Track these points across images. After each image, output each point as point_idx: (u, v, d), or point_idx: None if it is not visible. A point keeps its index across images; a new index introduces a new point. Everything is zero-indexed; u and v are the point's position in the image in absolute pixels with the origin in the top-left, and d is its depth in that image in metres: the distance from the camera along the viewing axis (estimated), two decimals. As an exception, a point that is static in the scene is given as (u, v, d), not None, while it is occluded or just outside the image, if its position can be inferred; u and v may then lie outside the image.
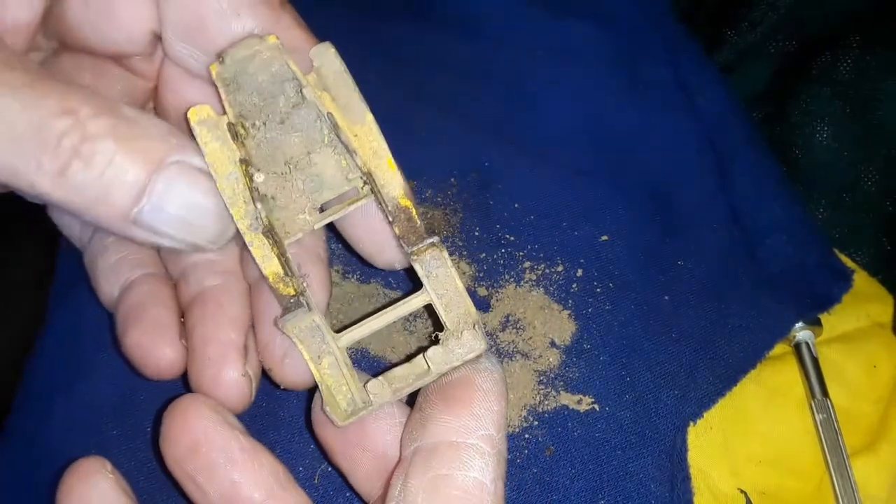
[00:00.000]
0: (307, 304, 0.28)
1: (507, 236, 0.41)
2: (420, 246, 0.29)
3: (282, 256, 0.29)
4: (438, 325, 0.30)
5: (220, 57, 0.30)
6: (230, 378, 0.31)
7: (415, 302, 0.30)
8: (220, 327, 0.32)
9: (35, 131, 0.25)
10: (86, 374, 0.38)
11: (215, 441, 0.28)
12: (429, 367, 0.29)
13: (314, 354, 0.29)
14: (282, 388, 0.32)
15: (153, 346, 0.31)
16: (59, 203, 0.26)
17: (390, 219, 0.29)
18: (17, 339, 0.45)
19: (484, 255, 0.41)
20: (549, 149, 0.45)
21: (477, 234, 0.42)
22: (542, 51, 0.49)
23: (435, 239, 0.28)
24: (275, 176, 0.30)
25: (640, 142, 0.46)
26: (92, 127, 0.26)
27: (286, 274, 0.29)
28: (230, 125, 0.29)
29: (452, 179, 0.43)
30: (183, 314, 0.33)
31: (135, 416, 0.37)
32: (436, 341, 0.29)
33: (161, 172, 0.26)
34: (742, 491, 0.37)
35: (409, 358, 0.30)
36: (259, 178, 0.30)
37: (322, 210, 0.31)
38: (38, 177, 0.26)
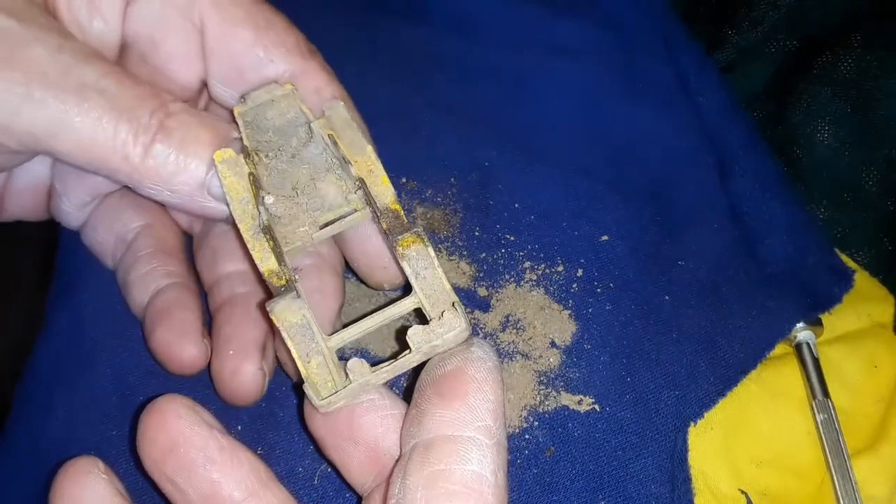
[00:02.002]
0: (297, 291, 0.29)
1: (507, 236, 0.41)
2: (405, 235, 0.29)
3: (277, 252, 0.30)
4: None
5: (242, 97, 0.34)
6: (247, 371, 0.34)
7: (405, 304, 0.30)
8: (244, 326, 0.35)
9: (133, 109, 0.30)
10: (85, 374, 0.38)
11: (193, 441, 0.28)
12: (410, 348, 0.28)
13: (303, 353, 0.29)
14: (295, 380, 0.35)
15: (177, 344, 0.35)
16: (144, 177, 0.31)
17: (378, 215, 0.31)
18: (17, 338, 0.45)
19: (484, 255, 0.41)
20: (549, 148, 0.45)
21: (477, 234, 0.41)
22: (542, 50, 0.49)
23: (419, 229, 0.30)
24: (281, 198, 0.33)
25: (640, 141, 0.46)
26: (173, 107, 0.31)
27: (279, 268, 0.30)
28: (244, 147, 0.32)
29: (452, 179, 0.43)
30: (211, 317, 0.36)
31: (135, 417, 0.37)
32: None
33: (230, 145, 0.32)
34: (743, 491, 0.37)
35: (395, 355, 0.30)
36: (269, 199, 0.33)
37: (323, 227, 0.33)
38: (133, 147, 0.30)
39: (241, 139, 0.33)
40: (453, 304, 0.29)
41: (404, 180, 0.43)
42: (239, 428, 0.37)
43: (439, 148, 0.44)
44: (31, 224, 0.39)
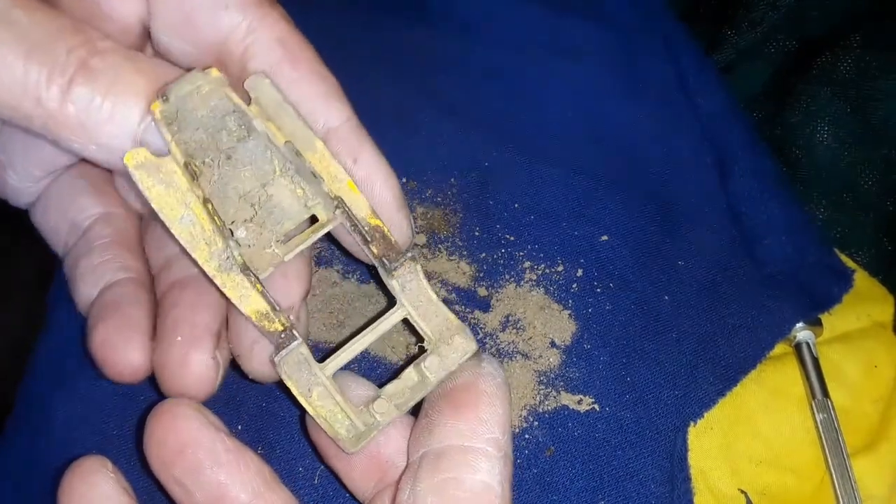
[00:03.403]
0: (299, 339, 0.28)
1: (507, 236, 0.41)
2: (400, 261, 0.30)
3: (262, 293, 0.28)
4: (419, 337, 0.30)
5: (163, 95, 0.27)
6: (198, 360, 0.30)
7: (392, 318, 0.30)
8: (196, 310, 0.31)
9: (47, 44, 0.25)
10: (86, 373, 0.38)
11: (201, 443, 0.27)
12: (426, 376, 0.29)
13: (304, 389, 0.29)
14: (249, 378, 0.32)
15: (119, 346, 0.30)
16: (62, 126, 0.26)
17: (368, 239, 0.30)
18: (17, 338, 0.45)
19: (484, 255, 0.41)
20: (549, 148, 0.45)
21: (477, 234, 0.42)
22: (543, 50, 0.49)
23: (411, 254, 0.30)
24: (233, 213, 0.29)
25: (639, 141, 0.46)
26: (101, 45, 0.26)
27: (271, 310, 0.28)
28: (186, 164, 0.27)
29: (452, 179, 0.43)
30: (158, 306, 0.32)
31: (136, 416, 0.37)
32: (421, 352, 0.30)
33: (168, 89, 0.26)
34: (742, 491, 0.37)
35: (397, 373, 0.31)
36: (241, 233, 0.29)
37: (287, 239, 0.30)
38: (47, 90, 0.25)
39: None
40: (463, 330, 0.30)
41: (404, 180, 0.43)
42: (239, 427, 0.37)
43: (440, 148, 0.44)
44: (32, 224, 0.38)
